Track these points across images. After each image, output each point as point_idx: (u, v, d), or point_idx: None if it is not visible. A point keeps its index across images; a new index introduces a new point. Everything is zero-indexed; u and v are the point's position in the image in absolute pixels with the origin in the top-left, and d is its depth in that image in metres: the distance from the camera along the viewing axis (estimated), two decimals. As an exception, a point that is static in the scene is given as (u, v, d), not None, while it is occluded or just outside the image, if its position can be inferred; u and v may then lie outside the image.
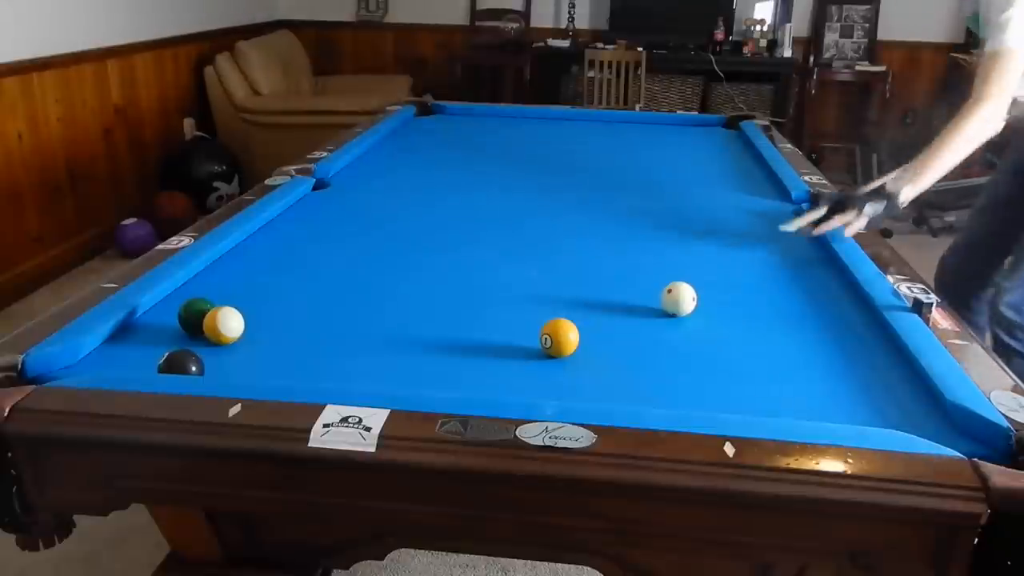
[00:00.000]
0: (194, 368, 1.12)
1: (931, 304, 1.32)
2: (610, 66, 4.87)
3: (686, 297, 1.37)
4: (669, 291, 1.38)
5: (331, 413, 0.97)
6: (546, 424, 0.96)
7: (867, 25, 5.26)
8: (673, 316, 1.37)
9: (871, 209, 1.67)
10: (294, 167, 2.15)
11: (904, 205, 1.71)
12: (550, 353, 1.22)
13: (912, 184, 1.70)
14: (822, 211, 1.71)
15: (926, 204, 4.25)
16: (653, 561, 1.11)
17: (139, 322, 1.32)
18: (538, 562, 1.90)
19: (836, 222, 1.67)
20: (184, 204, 4.06)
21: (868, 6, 5.24)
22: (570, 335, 1.22)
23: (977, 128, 1.72)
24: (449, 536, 1.22)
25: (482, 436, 0.94)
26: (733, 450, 0.92)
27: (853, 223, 1.66)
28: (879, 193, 1.70)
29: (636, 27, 5.18)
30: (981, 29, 1.87)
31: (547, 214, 1.98)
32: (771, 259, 1.66)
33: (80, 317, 1.25)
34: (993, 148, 1.82)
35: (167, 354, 1.13)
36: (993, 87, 1.71)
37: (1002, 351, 2.14)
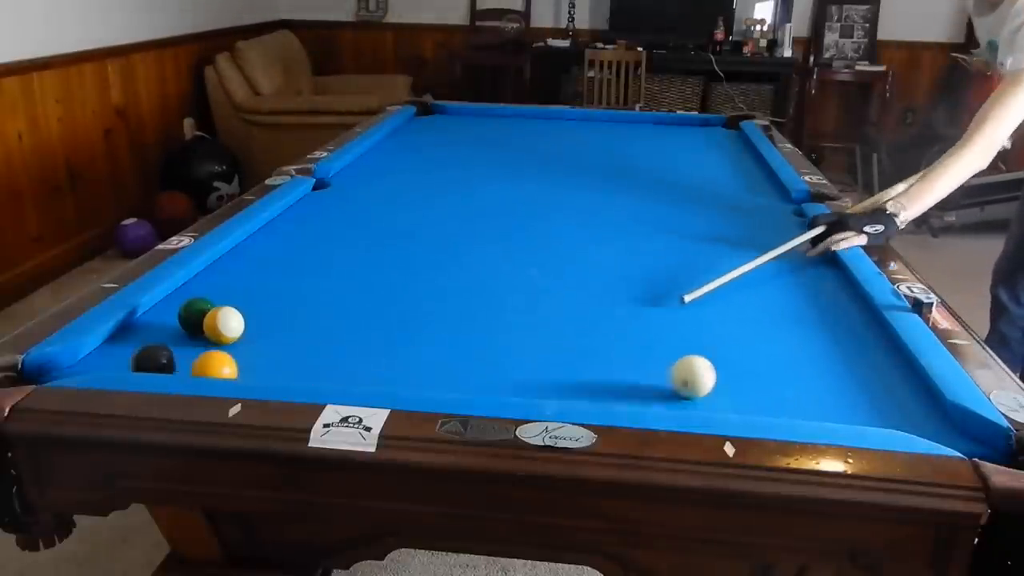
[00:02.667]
0: (164, 360, 1.12)
1: (931, 304, 1.32)
2: (610, 66, 4.87)
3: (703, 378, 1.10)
4: (685, 384, 1.11)
5: (331, 413, 0.97)
6: (546, 424, 0.96)
7: (867, 25, 5.26)
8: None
9: (872, 229, 1.63)
10: (294, 167, 2.15)
11: (902, 227, 1.68)
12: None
13: (914, 207, 1.68)
14: (819, 231, 1.66)
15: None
16: (653, 561, 1.11)
17: (139, 322, 1.32)
18: (538, 562, 1.90)
19: (836, 238, 1.62)
20: (184, 204, 4.06)
21: (868, 6, 5.24)
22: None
23: (977, 160, 1.69)
24: (449, 536, 1.22)
25: (482, 436, 0.94)
26: (733, 450, 0.92)
27: (852, 239, 1.62)
28: (879, 215, 1.67)
29: (636, 27, 5.18)
30: (1001, 52, 1.84)
31: (547, 214, 1.98)
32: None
33: (80, 317, 1.25)
34: (999, 154, 1.81)
35: (136, 354, 1.12)
36: (1001, 113, 1.69)
37: None
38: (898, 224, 1.67)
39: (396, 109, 3.04)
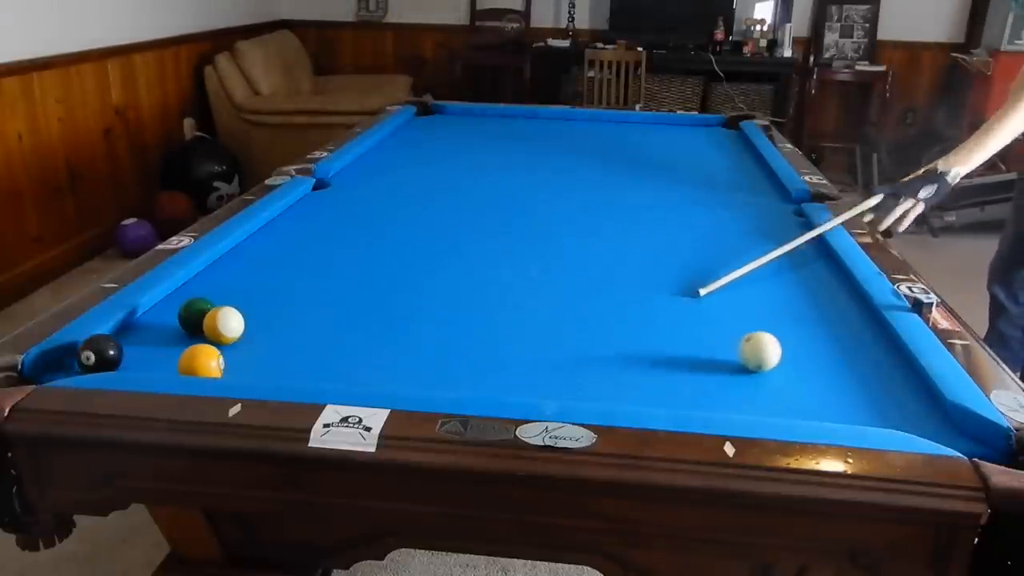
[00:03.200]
0: (112, 352, 1.12)
1: (931, 304, 1.32)
2: (610, 66, 4.87)
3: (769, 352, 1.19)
4: (748, 339, 1.20)
5: (331, 413, 0.97)
6: (546, 424, 0.96)
7: (867, 25, 5.26)
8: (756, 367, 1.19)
9: (925, 193, 1.68)
10: (294, 167, 2.15)
11: (953, 184, 1.71)
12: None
13: (965, 163, 1.71)
14: (877, 199, 1.71)
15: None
16: (653, 561, 1.11)
17: (139, 322, 1.32)
18: (538, 562, 1.90)
19: (898, 211, 1.69)
20: (184, 204, 4.06)
21: (868, 6, 5.24)
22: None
23: None
24: (449, 536, 1.22)
25: (482, 436, 0.94)
26: (733, 450, 0.92)
27: (911, 211, 1.69)
28: (929, 176, 1.71)
29: (636, 27, 5.18)
30: None
31: (547, 214, 1.98)
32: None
33: (80, 317, 1.25)
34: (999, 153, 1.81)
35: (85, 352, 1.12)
36: None
37: None
38: (950, 181, 1.70)
39: (396, 109, 3.04)
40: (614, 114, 3.27)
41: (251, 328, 1.27)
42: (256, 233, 1.75)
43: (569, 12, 5.40)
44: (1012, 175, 4.25)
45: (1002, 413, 1.01)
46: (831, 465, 0.90)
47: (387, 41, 5.71)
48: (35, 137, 3.41)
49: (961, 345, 1.22)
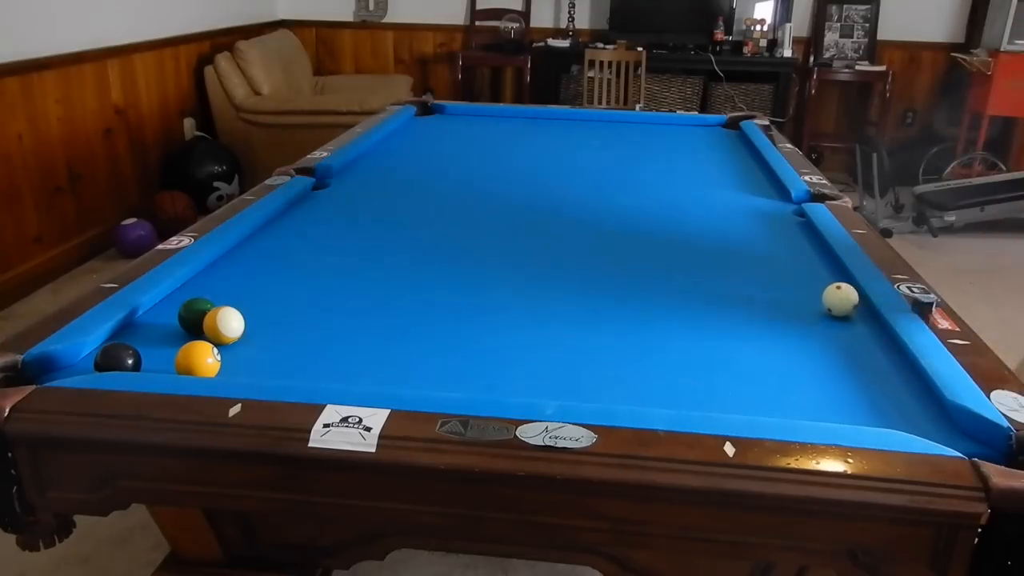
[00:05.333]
0: (130, 361, 1.12)
1: (931, 304, 1.33)
2: (610, 66, 4.87)
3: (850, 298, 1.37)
4: (839, 288, 1.39)
5: (331, 413, 0.97)
6: (546, 424, 0.96)
7: (867, 25, 5.26)
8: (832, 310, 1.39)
9: None
10: (294, 167, 2.15)
11: None
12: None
13: None
14: None
15: (926, 204, 4.26)
16: (653, 561, 1.11)
17: (139, 322, 1.32)
18: (538, 562, 1.90)
19: None
20: (184, 204, 4.06)
21: (868, 6, 5.24)
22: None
23: None
24: (449, 536, 1.22)
25: (482, 436, 0.94)
26: (733, 450, 0.92)
27: None
28: None
29: (636, 27, 5.18)
30: None
31: (547, 213, 1.98)
32: (771, 259, 1.66)
33: (80, 317, 1.25)
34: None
35: (100, 355, 1.12)
36: None
37: None
38: None
39: (396, 109, 3.05)
40: (614, 114, 3.27)
41: (251, 328, 1.27)
42: (256, 233, 1.75)
43: (569, 12, 5.40)
44: (1014, 175, 4.26)
45: (1002, 413, 1.01)
46: (831, 465, 0.91)
47: (387, 41, 5.71)
48: (35, 137, 3.41)
49: (961, 345, 1.22)
